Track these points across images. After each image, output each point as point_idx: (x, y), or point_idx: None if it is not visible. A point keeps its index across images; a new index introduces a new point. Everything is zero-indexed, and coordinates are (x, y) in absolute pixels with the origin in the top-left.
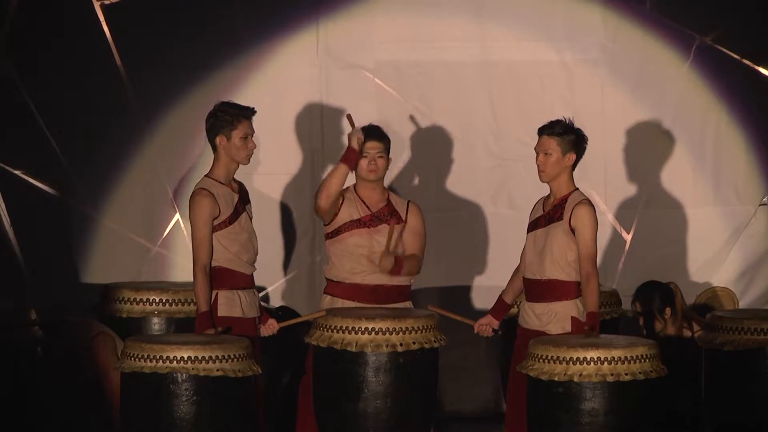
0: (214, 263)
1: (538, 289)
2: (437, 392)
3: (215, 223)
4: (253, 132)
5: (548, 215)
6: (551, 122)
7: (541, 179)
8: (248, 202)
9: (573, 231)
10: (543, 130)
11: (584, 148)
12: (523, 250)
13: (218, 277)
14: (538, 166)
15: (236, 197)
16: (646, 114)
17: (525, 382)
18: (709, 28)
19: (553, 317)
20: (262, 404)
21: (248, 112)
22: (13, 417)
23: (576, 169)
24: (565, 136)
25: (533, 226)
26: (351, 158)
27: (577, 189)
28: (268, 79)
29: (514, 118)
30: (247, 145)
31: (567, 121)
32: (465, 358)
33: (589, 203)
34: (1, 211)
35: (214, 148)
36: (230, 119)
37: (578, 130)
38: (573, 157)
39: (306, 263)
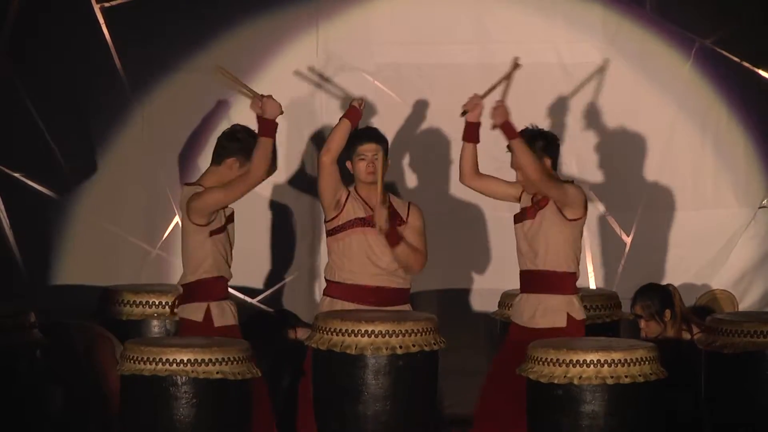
0: (209, 274)
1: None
2: (437, 395)
3: (213, 226)
4: None
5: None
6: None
7: (527, 191)
8: (233, 221)
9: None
10: None
11: (557, 147)
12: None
13: (211, 288)
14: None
15: (224, 212)
16: (645, 116)
17: (507, 380)
18: (709, 30)
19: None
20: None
21: None
22: (12, 420)
23: (576, 170)
24: (534, 143)
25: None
26: (353, 114)
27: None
28: (267, 82)
29: (514, 120)
30: None
31: (532, 128)
32: (465, 361)
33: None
34: (1, 214)
35: (218, 164)
36: (251, 148)
37: (546, 133)
38: (548, 161)
39: (306, 266)
